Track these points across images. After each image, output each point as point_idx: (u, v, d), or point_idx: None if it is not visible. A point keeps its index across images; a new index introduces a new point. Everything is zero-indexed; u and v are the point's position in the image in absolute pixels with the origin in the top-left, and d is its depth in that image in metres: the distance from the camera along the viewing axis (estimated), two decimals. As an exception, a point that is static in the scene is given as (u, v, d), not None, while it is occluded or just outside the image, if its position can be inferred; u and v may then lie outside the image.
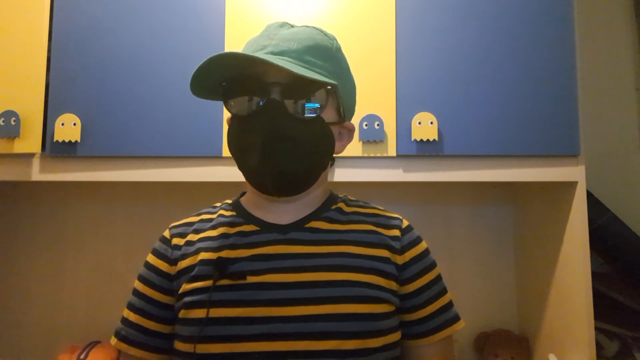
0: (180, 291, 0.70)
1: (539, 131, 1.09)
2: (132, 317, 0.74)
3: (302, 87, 0.66)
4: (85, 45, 1.16)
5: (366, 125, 1.09)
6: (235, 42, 1.14)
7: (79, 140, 1.13)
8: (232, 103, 0.69)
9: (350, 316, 0.65)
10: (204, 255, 0.70)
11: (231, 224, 0.73)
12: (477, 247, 1.44)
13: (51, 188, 1.51)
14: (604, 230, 1.31)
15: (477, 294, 1.42)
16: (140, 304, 0.74)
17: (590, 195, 1.28)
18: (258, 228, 0.72)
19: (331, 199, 0.78)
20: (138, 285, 0.75)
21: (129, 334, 0.73)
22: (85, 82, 1.15)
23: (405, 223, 0.78)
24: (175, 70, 1.14)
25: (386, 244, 0.72)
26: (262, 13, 1.15)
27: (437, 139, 1.09)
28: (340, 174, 1.11)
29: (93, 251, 1.48)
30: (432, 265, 0.77)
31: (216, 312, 0.65)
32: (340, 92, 0.71)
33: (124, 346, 0.73)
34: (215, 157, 1.12)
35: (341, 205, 0.77)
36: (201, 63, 0.65)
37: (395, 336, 0.70)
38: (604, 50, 1.52)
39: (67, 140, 1.12)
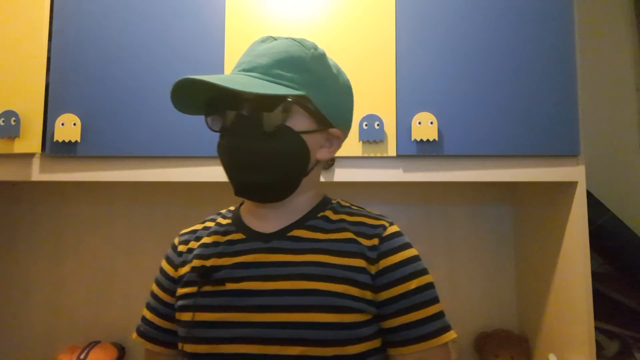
0: (176, 294, 0.77)
1: (539, 131, 1.09)
2: (148, 315, 0.82)
3: (267, 101, 0.70)
4: (85, 45, 1.16)
5: (366, 125, 1.10)
6: (235, 42, 1.14)
7: (79, 140, 1.13)
8: (210, 119, 0.74)
9: (315, 324, 0.67)
10: (195, 263, 0.76)
11: (224, 233, 0.78)
12: (477, 247, 1.44)
13: (51, 188, 1.51)
14: (604, 230, 1.30)
15: (477, 294, 1.42)
16: (154, 304, 0.82)
17: (590, 195, 1.28)
18: (244, 236, 0.76)
19: (321, 205, 0.79)
20: (153, 286, 0.83)
21: (146, 330, 0.82)
22: (85, 82, 1.15)
23: (389, 230, 0.75)
24: (176, 70, 1.14)
25: (363, 254, 0.72)
26: (262, 13, 1.15)
27: (437, 139, 1.09)
28: (340, 174, 1.11)
29: (93, 251, 1.48)
30: (414, 275, 0.73)
31: (200, 316, 0.71)
32: (317, 101, 0.73)
33: (141, 340, 0.82)
34: (215, 157, 1.12)
35: (328, 213, 0.78)
36: (171, 90, 0.70)
37: (373, 344, 0.71)
38: (604, 50, 1.52)
39: (67, 140, 1.12)
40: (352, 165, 1.11)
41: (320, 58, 0.75)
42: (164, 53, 1.14)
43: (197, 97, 0.73)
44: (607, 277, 1.37)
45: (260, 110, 0.70)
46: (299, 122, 0.72)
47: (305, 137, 0.72)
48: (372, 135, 1.09)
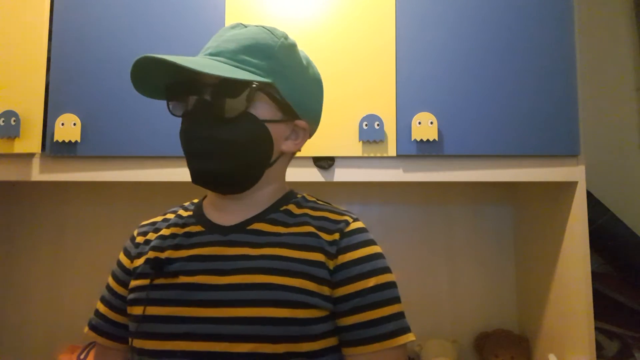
0: (129, 286, 0.75)
1: (539, 131, 1.09)
2: (102, 308, 0.80)
3: (230, 87, 0.67)
4: (85, 45, 1.16)
5: (366, 125, 1.10)
6: (235, 42, 1.14)
7: (79, 140, 1.13)
8: (172, 105, 0.72)
9: (266, 320, 0.64)
10: (150, 254, 0.74)
11: (183, 225, 0.76)
12: (477, 247, 1.44)
13: (51, 188, 1.51)
14: (604, 230, 1.31)
15: (477, 294, 1.43)
16: (109, 297, 0.79)
17: (590, 195, 1.28)
18: (203, 229, 0.74)
19: (284, 199, 0.77)
20: (109, 279, 0.81)
21: (98, 324, 0.79)
22: (85, 82, 1.15)
23: (352, 226, 0.73)
24: (175, 70, 1.14)
25: (322, 248, 0.70)
26: (262, 13, 1.15)
27: (437, 139, 1.09)
28: (340, 174, 1.11)
29: (93, 251, 1.48)
30: (373, 272, 0.70)
31: (151, 310, 0.69)
32: (283, 90, 0.71)
33: (93, 334, 0.79)
34: (215, 157, 1.12)
35: (291, 207, 0.76)
36: (130, 69, 0.68)
37: (330, 342, 0.69)
38: (604, 50, 1.52)
39: (67, 140, 1.12)
40: (352, 165, 1.11)
41: (289, 47, 0.73)
42: (164, 53, 1.14)
43: (159, 79, 0.71)
44: (607, 277, 1.37)
45: (223, 95, 0.67)
46: (264, 110, 0.70)
47: (269, 126, 0.70)
48: (372, 135, 1.09)
